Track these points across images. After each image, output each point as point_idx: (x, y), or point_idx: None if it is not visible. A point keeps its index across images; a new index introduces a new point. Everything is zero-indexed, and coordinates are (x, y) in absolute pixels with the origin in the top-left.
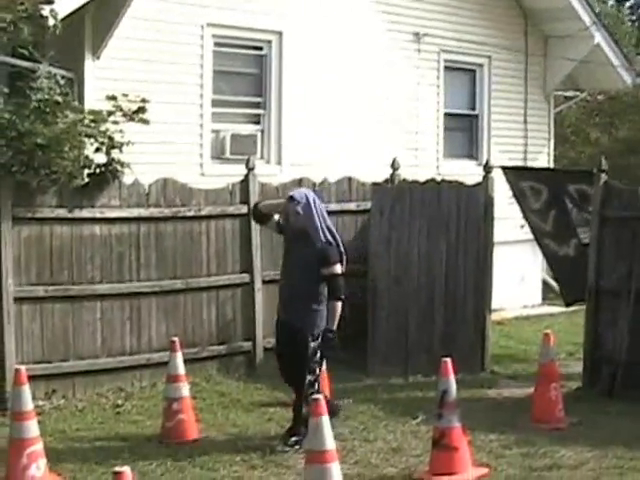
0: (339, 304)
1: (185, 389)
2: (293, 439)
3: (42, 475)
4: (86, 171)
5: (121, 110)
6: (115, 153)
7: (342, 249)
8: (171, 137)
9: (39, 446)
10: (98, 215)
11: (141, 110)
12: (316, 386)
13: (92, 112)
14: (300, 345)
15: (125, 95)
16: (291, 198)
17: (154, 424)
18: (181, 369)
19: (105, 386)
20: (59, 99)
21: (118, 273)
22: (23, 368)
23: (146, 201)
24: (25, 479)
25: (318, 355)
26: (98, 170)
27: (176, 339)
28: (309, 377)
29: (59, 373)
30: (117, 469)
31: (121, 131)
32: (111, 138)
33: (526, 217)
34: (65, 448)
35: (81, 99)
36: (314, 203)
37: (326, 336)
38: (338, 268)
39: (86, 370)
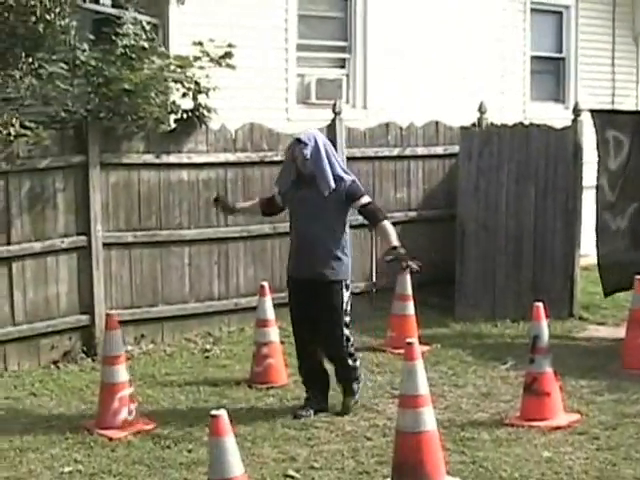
0: (387, 222)
1: (274, 334)
2: (355, 397)
3: (133, 419)
4: (173, 116)
5: (207, 55)
6: (202, 98)
7: (360, 186)
8: (257, 82)
9: (130, 390)
10: (185, 160)
11: (227, 55)
12: (352, 340)
13: (178, 57)
14: (333, 299)
15: (212, 40)
16: (298, 141)
17: (243, 368)
18: (270, 313)
19: (193, 331)
20: (145, 45)
21: (205, 218)
22: (115, 313)
23: (233, 146)
24: (116, 423)
25: (350, 308)
26: (185, 115)
27: (265, 283)
28: (346, 331)
29: (148, 318)
30: (214, 412)
31: (207, 76)
32: (197, 83)
33: (597, 179)
34: (155, 392)
35: (166, 45)
36: (324, 147)
37: (393, 253)
38: (367, 198)
39: (174, 315)
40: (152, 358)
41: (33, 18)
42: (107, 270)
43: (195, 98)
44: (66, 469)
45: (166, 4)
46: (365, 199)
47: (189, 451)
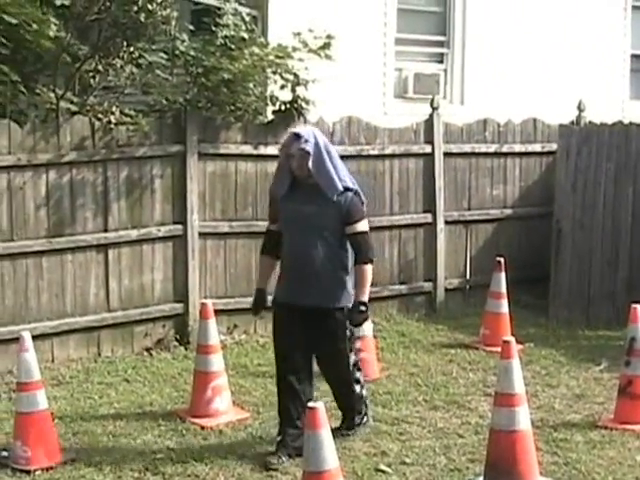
0: (370, 268)
1: (367, 328)
2: (357, 419)
3: (226, 408)
4: (270, 108)
5: (306, 46)
6: (300, 90)
7: (363, 199)
8: (354, 75)
9: (223, 379)
10: None
11: (327, 46)
12: (360, 366)
13: (277, 48)
14: (335, 328)
15: (311, 31)
16: (296, 136)
17: None
18: None
19: None
20: (245, 36)
21: None
22: (209, 302)
23: (330, 139)
24: (209, 412)
25: (354, 333)
26: (283, 107)
27: None
28: (352, 358)
29: (241, 308)
30: (312, 404)
31: (306, 68)
32: (297, 75)
33: None
34: (247, 383)
35: (265, 36)
36: (325, 146)
37: (355, 310)
38: (365, 224)
39: (267, 306)
40: (244, 348)
41: (135, 8)
42: (202, 259)
43: (294, 90)
44: (158, 455)
45: None
46: (362, 226)
47: None
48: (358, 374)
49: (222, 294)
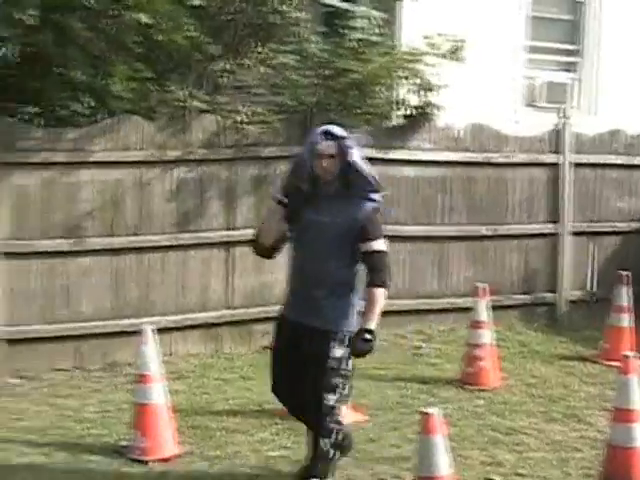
0: (383, 293)
1: (487, 336)
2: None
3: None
4: (398, 112)
5: (438, 49)
6: (430, 95)
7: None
8: (483, 81)
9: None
10: (408, 157)
11: (457, 50)
12: (341, 411)
13: (408, 52)
14: (323, 352)
15: (441, 35)
16: (326, 133)
17: (452, 368)
18: (485, 315)
19: (406, 327)
20: (375, 39)
21: (425, 216)
22: None
23: (457, 145)
24: None
25: (348, 365)
26: (411, 112)
27: (482, 285)
28: (332, 397)
29: None
30: (427, 410)
31: (437, 73)
32: (426, 80)
33: None
34: (364, 385)
35: (396, 40)
36: (357, 148)
37: (359, 337)
38: (383, 243)
39: (388, 310)
40: None
41: (268, 9)
42: None
43: (424, 95)
44: (273, 454)
45: None
46: (379, 244)
47: (395, 446)
48: (335, 422)
49: None
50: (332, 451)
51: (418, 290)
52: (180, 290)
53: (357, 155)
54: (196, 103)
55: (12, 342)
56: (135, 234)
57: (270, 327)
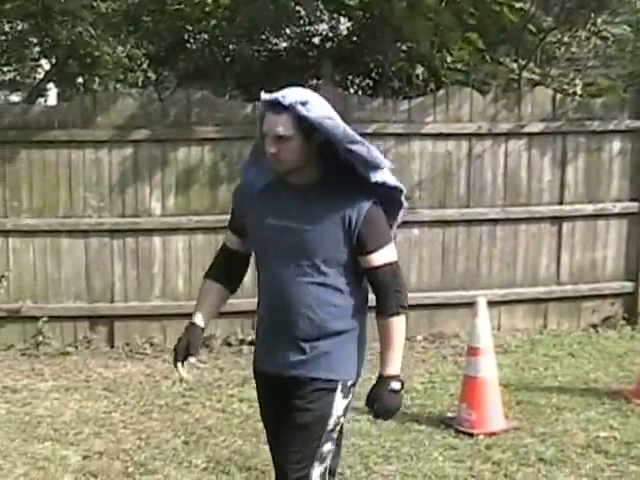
0: (403, 322)
1: None
2: None
3: None
4: None
5: None
6: None
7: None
8: None
9: None
10: None
11: None
12: None
13: None
14: (318, 411)
15: None
16: (272, 104)
17: None
18: None
19: None
20: None
21: None
22: None
23: None
24: None
25: (339, 427)
26: None
27: None
28: (316, 470)
29: None
30: None
31: None
32: None
33: None
34: None
35: None
36: (329, 114)
37: (383, 391)
38: (391, 250)
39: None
40: None
41: None
42: None
43: None
44: (601, 434)
45: None
46: (387, 254)
47: None
48: None
49: None
50: None
51: None
52: (509, 264)
53: (334, 125)
54: (529, 75)
55: None
56: (466, 206)
57: (599, 305)
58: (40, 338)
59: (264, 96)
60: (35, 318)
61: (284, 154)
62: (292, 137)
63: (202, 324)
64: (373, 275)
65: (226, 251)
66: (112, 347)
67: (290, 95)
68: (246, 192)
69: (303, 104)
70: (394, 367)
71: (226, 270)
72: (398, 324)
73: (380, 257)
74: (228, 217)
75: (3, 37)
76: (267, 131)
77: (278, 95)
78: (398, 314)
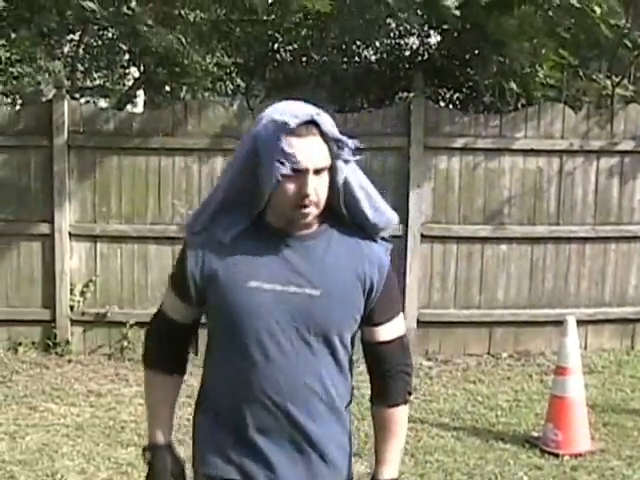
0: (407, 411)
1: None
2: None
3: None
4: None
5: None
6: None
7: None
8: None
9: None
10: None
11: None
12: None
13: None
14: None
15: None
16: (309, 123)
17: None
18: None
19: None
20: None
21: None
22: None
23: None
24: None
25: None
26: None
27: None
28: None
29: None
30: None
31: None
32: None
33: None
34: None
35: None
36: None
37: None
38: (402, 321)
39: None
40: None
41: None
42: None
43: None
44: None
45: None
46: (399, 325)
47: None
48: None
49: None
50: None
51: None
52: (597, 283)
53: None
54: (622, 92)
55: (423, 324)
56: (555, 224)
57: None
58: (125, 343)
59: (288, 116)
60: (121, 323)
61: (321, 195)
62: (327, 169)
63: (169, 441)
64: (377, 351)
65: (170, 325)
66: (196, 354)
67: (319, 113)
68: (211, 241)
69: (332, 125)
70: (393, 468)
71: (175, 352)
72: (403, 414)
73: (392, 329)
74: None
75: (94, 43)
76: (304, 162)
77: (312, 112)
78: (405, 402)
